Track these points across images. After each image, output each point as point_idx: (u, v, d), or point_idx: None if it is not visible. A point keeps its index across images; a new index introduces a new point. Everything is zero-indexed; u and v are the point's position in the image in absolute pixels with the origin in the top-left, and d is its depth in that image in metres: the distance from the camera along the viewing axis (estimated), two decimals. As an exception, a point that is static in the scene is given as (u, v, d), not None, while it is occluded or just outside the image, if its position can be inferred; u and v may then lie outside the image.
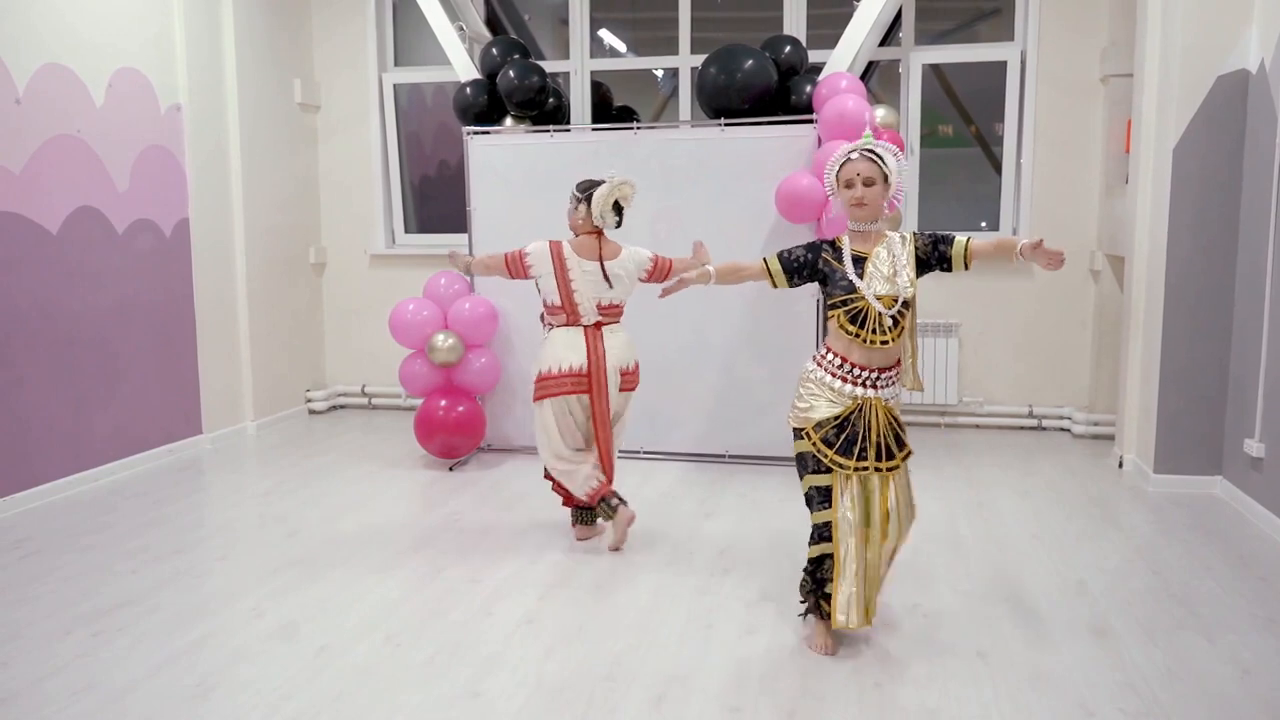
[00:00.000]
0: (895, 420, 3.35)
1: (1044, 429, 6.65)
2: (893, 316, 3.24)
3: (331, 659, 3.38)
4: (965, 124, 6.98)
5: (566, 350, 4.29)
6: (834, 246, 3.37)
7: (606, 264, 4.28)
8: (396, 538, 4.64)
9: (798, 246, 3.44)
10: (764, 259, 3.49)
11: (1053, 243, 6.29)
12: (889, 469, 3.30)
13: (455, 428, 5.77)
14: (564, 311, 4.30)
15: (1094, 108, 6.40)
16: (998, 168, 6.68)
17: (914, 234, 3.34)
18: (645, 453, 5.93)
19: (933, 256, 3.29)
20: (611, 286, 4.30)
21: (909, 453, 3.37)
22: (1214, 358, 5.11)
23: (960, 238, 3.28)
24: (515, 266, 4.32)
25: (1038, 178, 6.52)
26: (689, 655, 3.40)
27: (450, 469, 5.84)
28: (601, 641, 3.51)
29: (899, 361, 3.34)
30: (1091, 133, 6.42)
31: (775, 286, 3.49)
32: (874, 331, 3.24)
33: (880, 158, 3.27)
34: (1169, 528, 4.68)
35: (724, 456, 5.84)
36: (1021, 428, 6.66)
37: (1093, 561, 4.24)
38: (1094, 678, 3.20)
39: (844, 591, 3.30)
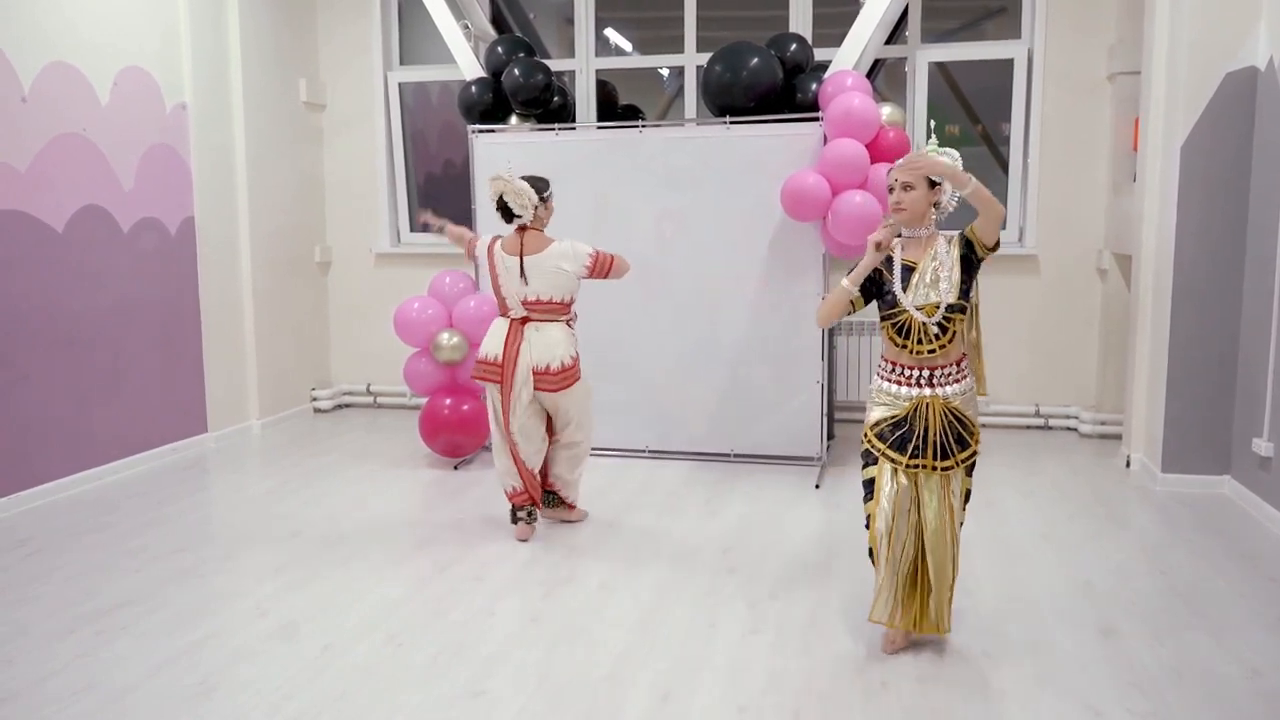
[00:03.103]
0: (960, 418, 3.23)
1: (1050, 428, 6.62)
2: (938, 324, 3.18)
3: (333, 659, 3.37)
4: (972, 123, 6.95)
5: (491, 339, 4.48)
6: (888, 257, 3.28)
7: (526, 259, 4.35)
8: (399, 537, 4.64)
9: (859, 259, 3.32)
10: (850, 291, 3.28)
11: (1059, 242, 6.37)
12: (943, 468, 3.22)
13: (460, 426, 5.76)
14: (499, 302, 4.50)
15: (1101, 106, 6.36)
16: (1004, 166, 6.65)
17: (960, 234, 3.24)
18: (650, 451, 5.92)
19: (969, 250, 3.21)
20: (527, 282, 4.34)
21: (972, 453, 3.26)
22: (1222, 356, 5.07)
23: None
24: (469, 249, 4.71)
25: (1044, 176, 6.49)
26: (693, 654, 3.38)
27: (455, 468, 5.83)
28: (605, 641, 3.50)
29: (962, 357, 3.28)
30: (1099, 131, 6.39)
31: (855, 309, 3.32)
32: (919, 342, 3.20)
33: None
34: (1176, 527, 4.65)
35: (729, 456, 5.82)
36: (1028, 427, 6.63)
37: (1099, 561, 4.21)
38: (1100, 678, 3.18)
39: (879, 585, 3.31)
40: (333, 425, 7.08)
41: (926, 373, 3.23)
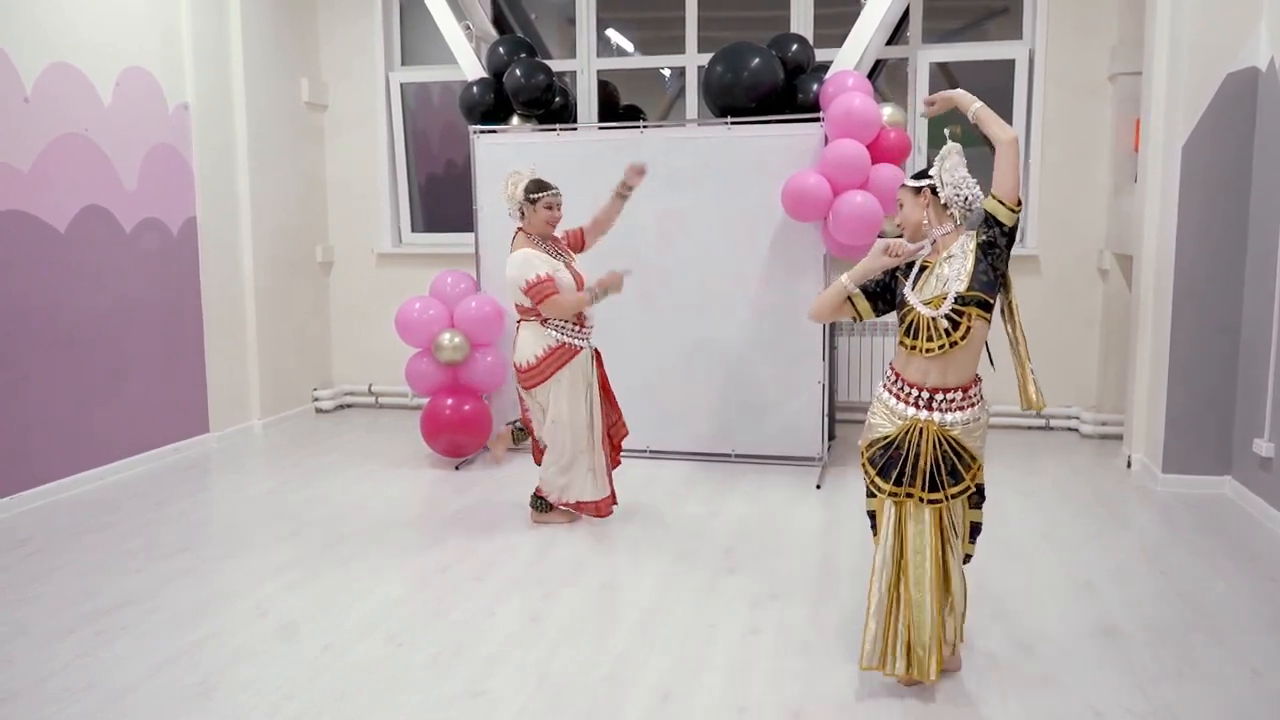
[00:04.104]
0: (956, 449, 2.99)
1: (1051, 429, 6.61)
2: (948, 317, 2.94)
3: (333, 659, 3.38)
4: (973, 123, 6.94)
5: None
6: (910, 263, 3.14)
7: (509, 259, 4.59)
8: (400, 537, 4.64)
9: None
10: (846, 288, 3.17)
11: (1061, 242, 6.37)
12: (930, 501, 2.99)
13: (461, 426, 5.77)
14: None
15: (1102, 106, 6.36)
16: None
17: (983, 215, 3.01)
18: (651, 451, 5.91)
19: (990, 232, 2.98)
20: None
21: (966, 489, 3.01)
22: (1223, 357, 5.07)
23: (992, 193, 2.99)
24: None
25: (1046, 177, 6.49)
26: (693, 654, 3.38)
27: (456, 468, 5.83)
28: (605, 641, 3.50)
29: (970, 384, 3.04)
30: (1100, 131, 6.38)
31: (861, 319, 3.22)
32: (928, 339, 2.96)
33: (905, 179, 3.16)
34: (1177, 528, 4.65)
35: (730, 456, 5.82)
36: (1029, 427, 6.63)
37: (1100, 562, 4.21)
38: (1101, 678, 3.18)
39: (869, 627, 3.06)
40: (334, 425, 7.08)
41: (926, 395, 3.00)
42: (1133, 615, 3.66)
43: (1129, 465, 5.57)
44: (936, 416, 3.00)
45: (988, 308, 2.98)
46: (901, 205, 3.13)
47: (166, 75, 5.99)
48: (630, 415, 5.59)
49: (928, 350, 2.98)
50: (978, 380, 3.08)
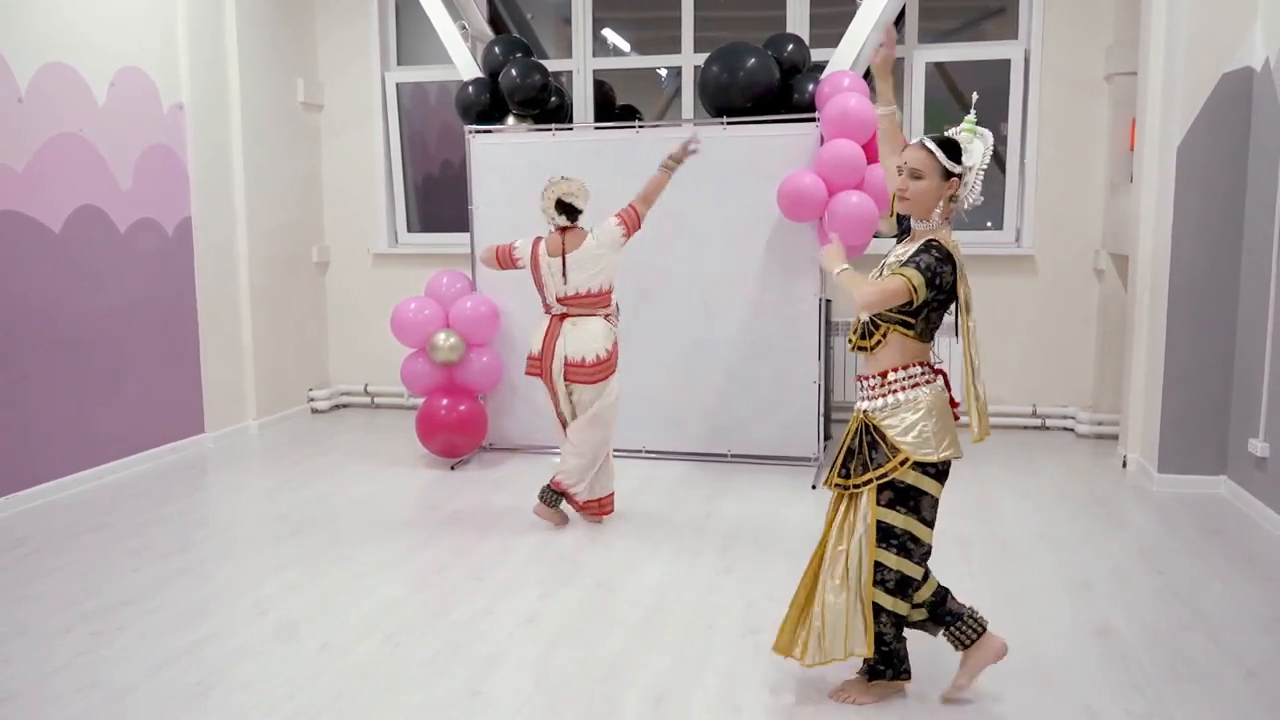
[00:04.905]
0: (874, 438, 2.89)
1: (1048, 428, 6.63)
2: (865, 323, 2.93)
3: (332, 658, 3.38)
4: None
5: (534, 336, 4.68)
6: (896, 240, 3.08)
7: (567, 257, 4.51)
8: (398, 537, 4.64)
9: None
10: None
11: (1057, 242, 6.38)
12: (838, 486, 2.97)
13: (457, 427, 5.76)
14: (542, 300, 4.67)
15: (1098, 106, 6.38)
16: (1002, 166, 6.66)
17: (930, 242, 2.83)
18: (648, 452, 5.92)
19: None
20: (566, 281, 4.54)
21: (868, 481, 2.87)
22: (1218, 357, 5.08)
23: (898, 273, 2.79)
24: (504, 258, 4.75)
25: (1042, 176, 6.51)
26: (690, 655, 3.39)
27: (452, 468, 5.83)
28: (603, 641, 3.50)
29: (890, 369, 2.89)
30: (1096, 131, 6.40)
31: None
32: (852, 331, 3.03)
33: (937, 150, 2.82)
34: (1173, 528, 4.66)
35: (726, 456, 5.82)
36: (1025, 427, 6.64)
37: (1096, 561, 4.22)
38: (1098, 678, 3.19)
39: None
40: (330, 425, 7.08)
41: (862, 382, 2.99)
42: (1129, 615, 3.67)
43: (1125, 465, 5.59)
44: (863, 404, 2.99)
45: (909, 326, 2.87)
46: (920, 176, 2.83)
47: (162, 75, 5.98)
48: (627, 415, 5.60)
49: (850, 341, 3.04)
50: (903, 367, 2.89)
